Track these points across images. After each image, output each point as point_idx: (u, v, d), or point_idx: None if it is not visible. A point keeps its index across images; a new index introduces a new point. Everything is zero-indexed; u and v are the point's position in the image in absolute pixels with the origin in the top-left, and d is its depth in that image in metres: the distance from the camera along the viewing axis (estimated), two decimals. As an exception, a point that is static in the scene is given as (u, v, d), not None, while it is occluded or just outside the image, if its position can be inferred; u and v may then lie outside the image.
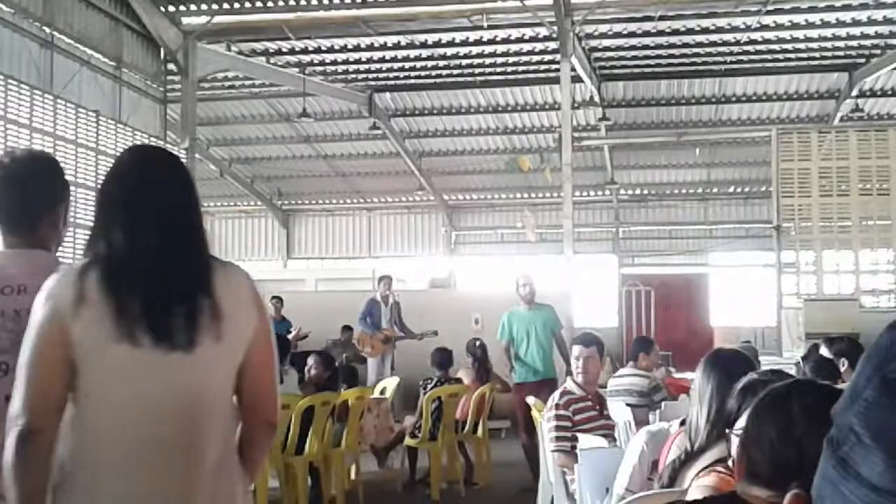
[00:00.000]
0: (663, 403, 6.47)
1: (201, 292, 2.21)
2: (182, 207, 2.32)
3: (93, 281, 2.13)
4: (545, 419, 5.30)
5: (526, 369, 8.85)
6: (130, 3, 13.37)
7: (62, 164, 3.07)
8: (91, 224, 2.31)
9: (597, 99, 17.58)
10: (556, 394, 5.26)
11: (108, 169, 2.38)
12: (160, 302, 2.18)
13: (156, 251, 2.23)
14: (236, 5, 13.94)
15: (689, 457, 2.74)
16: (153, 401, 2.17)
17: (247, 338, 2.28)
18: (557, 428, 5.08)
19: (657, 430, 3.91)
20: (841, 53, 16.36)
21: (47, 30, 11.83)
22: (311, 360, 7.66)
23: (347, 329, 12.85)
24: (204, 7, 14.04)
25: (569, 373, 6.63)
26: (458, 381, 9.16)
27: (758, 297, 18.60)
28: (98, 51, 12.93)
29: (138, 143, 13.20)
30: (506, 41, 15.59)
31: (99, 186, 2.34)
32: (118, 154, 2.49)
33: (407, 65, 17.12)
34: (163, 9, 13.89)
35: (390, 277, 12.43)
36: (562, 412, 5.12)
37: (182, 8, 14.06)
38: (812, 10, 14.14)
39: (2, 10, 10.97)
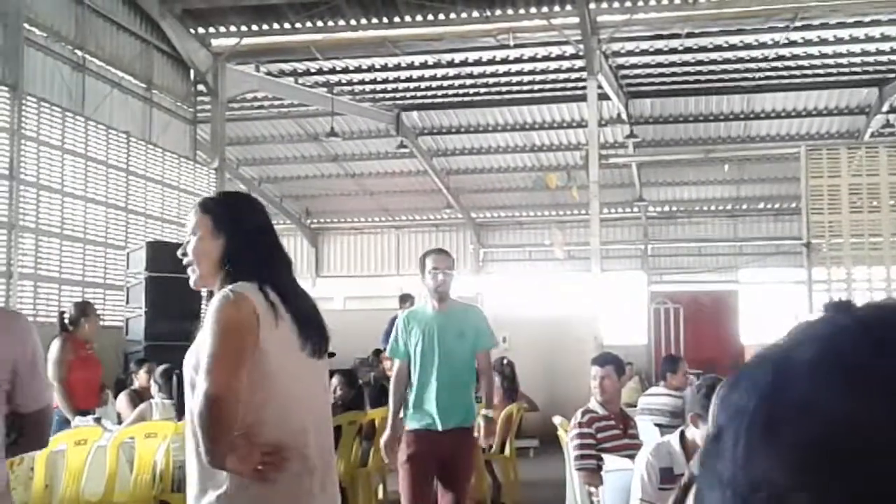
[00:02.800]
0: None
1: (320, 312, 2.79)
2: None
3: (277, 300, 2.58)
4: (569, 438, 5.29)
5: (421, 410, 5.32)
6: (161, 25, 13.54)
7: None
8: (237, 250, 2.69)
9: (624, 116, 17.56)
10: (579, 413, 5.26)
11: (241, 206, 2.87)
12: (315, 320, 2.72)
13: (295, 279, 2.79)
14: (265, 27, 14.10)
15: (694, 480, 2.75)
16: (312, 393, 2.70)
17: None
18: (581, 446, 5.08)
19: (659, 442, 4.02)
20: (870, 69, 16.24)
21: (79, 53, 12.01)
22: (334, 380, 7.68)
23: (378, 352, 12.89)
24: (233, 29, 14.21)
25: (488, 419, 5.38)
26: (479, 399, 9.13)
27: (788, 314, 18.41)
28: (129, 73, 13.10)
29: (169, 163, 13.36)
30: (532, 59, 15.62)
31: (242, 220, 2.78)
32: (232, 196, 3.18)
33: (434, 83, 17.20)
34: (192, 31, 14.07)
35: (411, 296, 12.44)
36: (585, 430, 5.12)
37: (211, 30, 14.25)
38: (840, 25, 14.07)
39: (34, 34, 11.16)
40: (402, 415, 5.37)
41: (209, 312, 2.54)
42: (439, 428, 5.24)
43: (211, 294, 2.70)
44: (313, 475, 2.58)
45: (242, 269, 2.62)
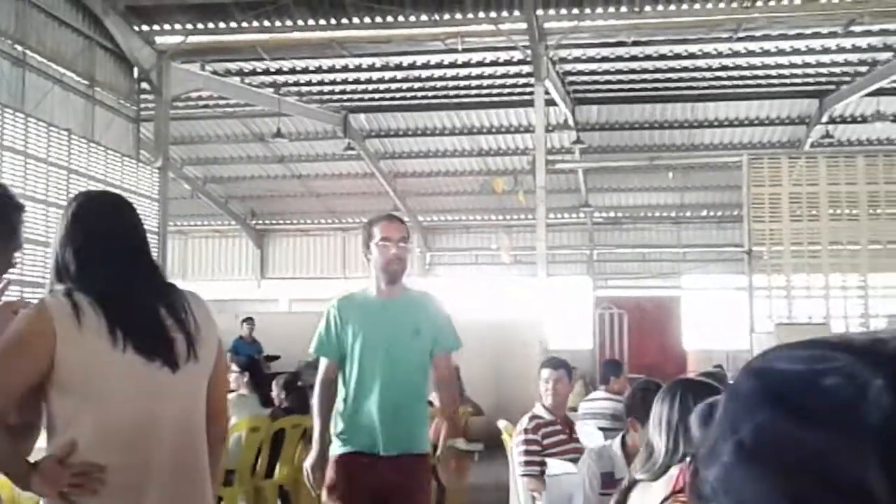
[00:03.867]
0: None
1: (185, 314, 2.50)
2: (144, 243, 2.63)
3: (85, 304, 2.36)
4: (514, 444, 5.29)
5: (355, 429, 4.03)
6: (104, 22, 13.32)
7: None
8: (61, 254, 2.50)
9: (571, 122, 17.69)
10: (525, 418, 5.25)
11: (73, 210, 2.58)
12: (149, 324, 2.45)
13: (134, 280, 2.51)
14: (210, 25, 13.94)
15: (634, 484, 2.77)
16: (144, 411, 2.41)
17: (214, 355, 2.57)
18: (526, 453, 5.08)
19: (601, 446, 4.06)
20: (811, 80, 16.58)
21: (19, 48, 11.76)
22: (274, 385, 7.62)
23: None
24: (178, 27, 14.03)
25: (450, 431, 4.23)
26: (430, 403, 9.10)
27: (730, 320, 18.71)
28: (71, 69, 12.86)
29: (112, 162, 13.15)
30: (480, 64, 15.67)
31: (66, 225, 2.55)
32: (80, 196, 2.74)
33: (382, 86, 17.17)
34: (136, 28, 13.86)
35: None
36: (531, 437, 5.11)
37: (156, 27, 14.05)
38: (782, 37, 14.34)
39: (-27, 28, 10.91)
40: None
41: None
42: (380, 451, 3.94)
43: None
44: (145, 495, 2.38)
45: (62, 276, 2.48)
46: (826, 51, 14.96)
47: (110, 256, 2.50)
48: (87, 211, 2.58)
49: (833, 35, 14.15)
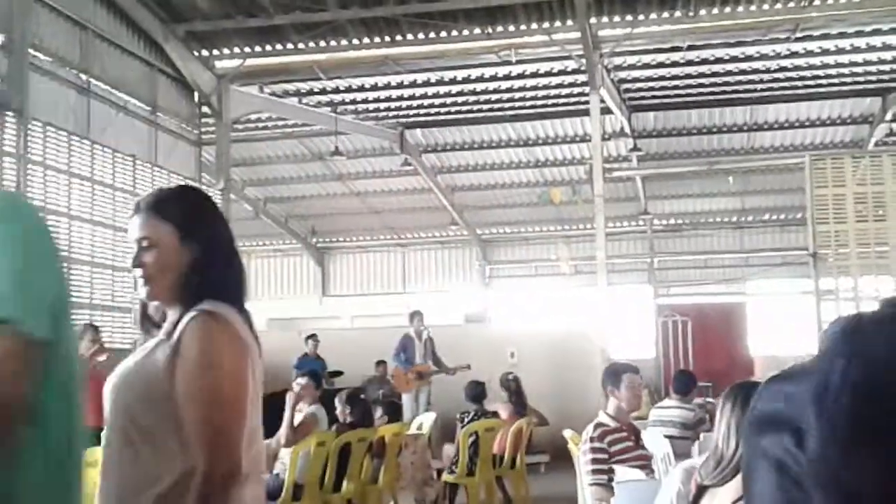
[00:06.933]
0: (702, 435, 6.51)
1: None
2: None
3: (237, 320, 2.19)
4: (581, 452, 5.26)
5: None
6: (165, 48, 13.63)
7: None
8: (206, 267, 2.22)
9: (627, 130, 17.59)
10: (590, 427, 5.20)
11: (214, 218, 2.35)
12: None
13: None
14: (268, 48, 14.19)
15: (703, 490, 2.73)
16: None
17: None
18: (594, 461, 5.03)
19: (691, 465, 3.95)
20: (873, 78, 16.26)
21: (84, 77, 12.08)
22: (337, 401, 7.68)
23: (381, 363, 12.91)
24: (236, 50, 14.30)
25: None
26: (495, 414, 9.12)
27: (797, 324, 18.38)
28: (134, 96, 13.17)
29: (174, 185, 13.41)
30: (534, 75, 15.67)
31: (214, 234, 2.30)
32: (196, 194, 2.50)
33: (437, 101, 17.26)
34: (196, 53, 14.16)
35: (421, 313, 12.47)
36: (597, 445, 5.06)
37: (215, 52, 14.34)
38: (842, 35, 14.10)
39: (39, 59, 11.22)
40: None
41: (193, 342, 2.10)
42: None
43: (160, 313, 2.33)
44: None
45: (212, 287, 2.20)
46: (887, 47, 14.66)
47: (243, 269, 2.33)
48: (213, 210, 2.39)
49: (894, 31, 13.87)
